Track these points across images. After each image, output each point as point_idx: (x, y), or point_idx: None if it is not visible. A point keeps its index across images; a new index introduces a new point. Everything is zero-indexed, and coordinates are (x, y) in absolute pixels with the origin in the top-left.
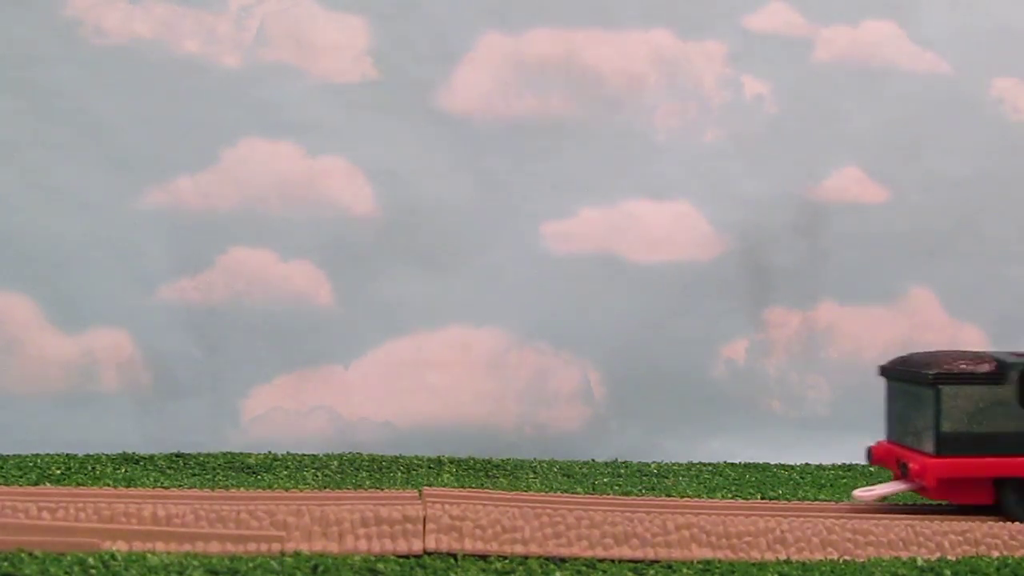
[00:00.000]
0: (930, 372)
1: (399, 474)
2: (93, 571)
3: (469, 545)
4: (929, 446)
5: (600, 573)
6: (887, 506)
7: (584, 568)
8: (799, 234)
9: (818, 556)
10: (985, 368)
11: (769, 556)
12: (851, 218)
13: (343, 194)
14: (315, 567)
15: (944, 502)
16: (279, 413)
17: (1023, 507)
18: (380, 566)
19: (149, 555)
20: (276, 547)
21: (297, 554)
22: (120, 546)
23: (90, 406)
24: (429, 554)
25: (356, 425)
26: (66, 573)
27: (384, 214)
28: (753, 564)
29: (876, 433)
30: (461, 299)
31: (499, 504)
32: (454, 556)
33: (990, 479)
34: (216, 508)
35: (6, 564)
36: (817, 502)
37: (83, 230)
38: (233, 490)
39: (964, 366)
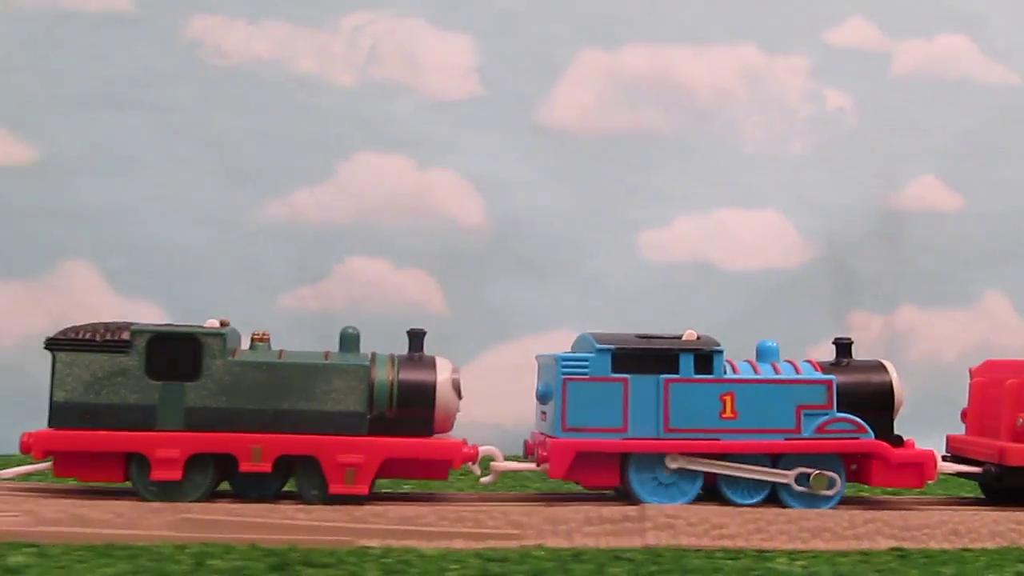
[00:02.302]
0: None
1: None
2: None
3: (685, 541)
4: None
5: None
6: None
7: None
8: (880, 241)
9: (989, 545)
10: (109, 335)
11: (947, 546)
12: (929, 225)
13: (453, 205)
14: (577, 555)
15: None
16: None
17: (146, 485)
18: (628, 554)
19: (423, 549)
20: (514, 544)
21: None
22: (374, 543)
23: None
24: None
25: (467, 427)
26: (353, 567)
27: (491, 224)
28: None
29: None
30: (564, 305)
31: (707, 502)
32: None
33: (122, 455)
34: (456, 509)
35: (296, 555)
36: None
37: (208, 242)
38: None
39: (86, 332)
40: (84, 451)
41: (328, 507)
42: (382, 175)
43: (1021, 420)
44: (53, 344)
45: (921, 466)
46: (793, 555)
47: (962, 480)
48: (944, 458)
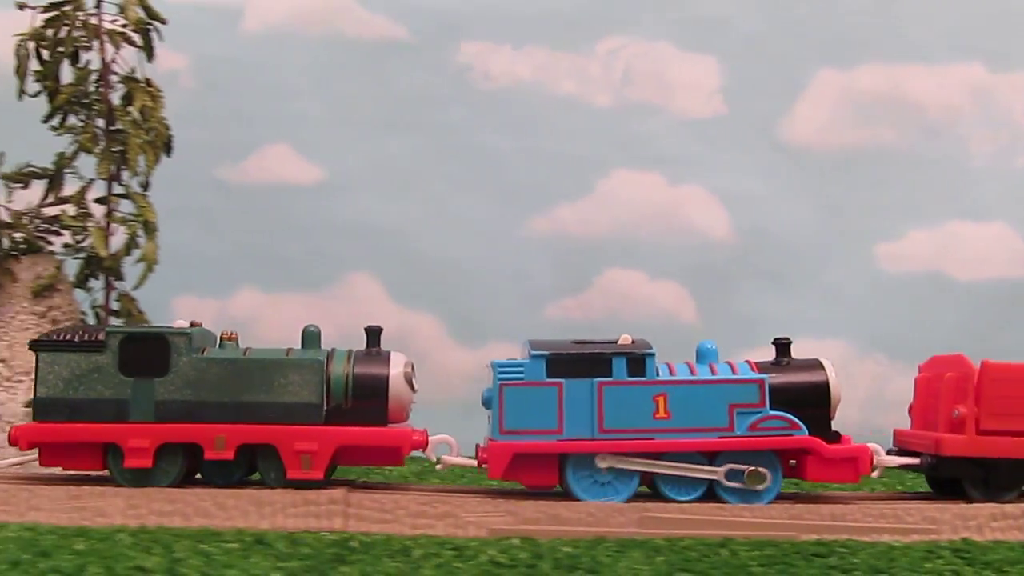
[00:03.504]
0: (32, 339)
1: None
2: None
3: None
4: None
5: None
6: None
7: None
8: None
9: None
10: (86, 336)
11: None
12: None
13: (701, 219)
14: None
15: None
16: None
17: (121, 473)
18: None
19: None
20: (932, 537)
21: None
22: (810, 536)
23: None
24: None
25: None
26: (847, 555)
27: (737, 237)
28: None
29: None
30: (807, 313)
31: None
32: None
33: (99, 445)
34: (878, 506)
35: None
36: None
37: (479, 255)
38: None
39: (66, 334)
40: (64, 442)
41: (767, 506)
42: (637, 191)
43: (957, 412)
44: (36, 345)
45: (856, 460)
46: None
47: None
48: (889, 452)
